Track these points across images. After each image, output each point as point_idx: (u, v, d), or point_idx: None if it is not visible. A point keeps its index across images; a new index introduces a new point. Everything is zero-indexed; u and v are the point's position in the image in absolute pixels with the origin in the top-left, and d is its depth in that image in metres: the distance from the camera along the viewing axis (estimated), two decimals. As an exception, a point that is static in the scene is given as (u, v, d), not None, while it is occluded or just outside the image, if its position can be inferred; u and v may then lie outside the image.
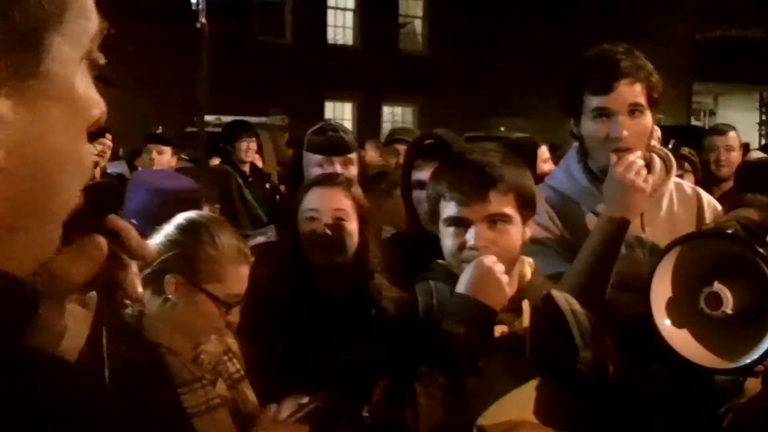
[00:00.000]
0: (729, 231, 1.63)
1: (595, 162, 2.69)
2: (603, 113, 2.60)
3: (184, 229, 2.25)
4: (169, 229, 2.26)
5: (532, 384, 2.06)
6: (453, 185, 2.17)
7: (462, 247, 2.14)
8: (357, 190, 2.86)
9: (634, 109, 2.59)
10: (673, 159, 2.83)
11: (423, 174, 2.95)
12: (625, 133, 2.57)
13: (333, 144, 3.37)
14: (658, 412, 1.86)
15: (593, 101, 2.61)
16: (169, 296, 2.17)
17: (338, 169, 3.26)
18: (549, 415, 2.03)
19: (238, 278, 2.22)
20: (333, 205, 2.77)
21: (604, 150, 2.62)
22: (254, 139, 7.28)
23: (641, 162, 2.58)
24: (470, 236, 2.12)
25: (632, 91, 2.59)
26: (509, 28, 22.68)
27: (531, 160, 2.83)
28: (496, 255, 2.11)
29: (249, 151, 7.09)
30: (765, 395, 1.60)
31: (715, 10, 25.57)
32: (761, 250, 1.49)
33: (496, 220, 2.13)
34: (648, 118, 2.63)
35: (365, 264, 2.75)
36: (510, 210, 2.15)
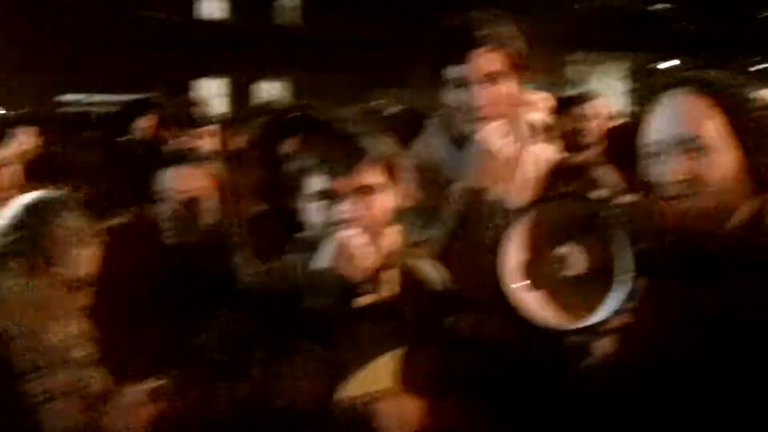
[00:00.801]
0: (580, 192, 1.65)
1: (457, 130, 2.69)
2: (461, 83, 2.60)
3: (30, 209, 2.15)
4: (15, 209, 2.15)
5: (397, 352, 2.06)
6: (320, 158, 2.13)
7: (331, 220, 2.11)
8: (215, 165, 2.79)
9: (491, 77, 2.59)
10: (536, 126, 2.86)
11: (287, 147, 2.90)
12: (482, 102, 2.58)
13: (187, 118, 3.29)
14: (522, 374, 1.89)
15: (451, 71, 2.61)
16: (16, 279, 2.07)
17: (193, 143, 3.19)
18: (414, 383, 2.04)
19: (86, 260, 2.14)
20: (185, 185, 2.70)
21: (465, 119, 2.63)
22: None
23: (502, 130, 2.60)
24: (340, 209, 2.09)
25: (489, 59, 2.58)
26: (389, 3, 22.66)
27: (413, 130, 2.84)
28: (365, 225, 2.10)
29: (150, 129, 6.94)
30: (615, 353, 1.63)
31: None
32: (613, 211, 1.51)
33: (365, 191, 2.12)
34: (509, 84, 2.63)
35: (227, 241, 2.70)
36: (379, 180, 2.14)
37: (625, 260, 1.48)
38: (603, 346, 1.62)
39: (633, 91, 33.33)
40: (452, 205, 2.56)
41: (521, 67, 2.66)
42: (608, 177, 2.46)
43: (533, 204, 1.61)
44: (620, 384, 1.67)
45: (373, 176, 2.13)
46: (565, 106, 5.76)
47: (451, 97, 2.65)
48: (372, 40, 22.18)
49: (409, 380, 2.03)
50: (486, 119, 2.60)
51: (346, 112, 2.33)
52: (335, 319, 2.04)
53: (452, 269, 2.30)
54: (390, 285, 2.14)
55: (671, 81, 1.82)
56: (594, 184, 2.41)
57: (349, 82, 21.77)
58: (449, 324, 2.13)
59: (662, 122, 1.77)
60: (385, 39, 21.97)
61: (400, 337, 2.08)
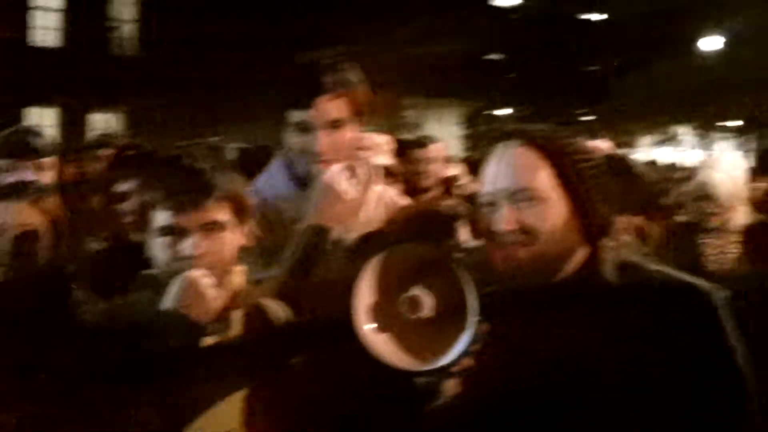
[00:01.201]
0: (429, 236, 1.70)
1: (300, 170, 2.72)
2: (303, 127, 2.63)
3: None
4: None
5: (243, 393, 2.05)
6: (165, 193, 2.10)
7: (176, 256, 2.08)
8: (51, 199, 2.69)
9: (334, 124, 2.63)
10: (377, 169, 2.91)
11: (126, 185, 2.84)
12: (324, 147, 2.61)
13: (23, 147, 3.16)
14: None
15: (295, 115, 2.63)
16: None
17: (29, 175, 3.06)
18: (260, 424, 2.02)
19: None
20: (19, 219, 2.60)
21: (306, 161, 2.66)
22: None
23: (346, 172, 2.64)
24: (184, 246, 2.06)
25: (333, 107, 2.62)
26: (229, 31, 22.46)
27: (257, 168, 2.83)
28: (211, 264, 2.07)
29: None
30: (460, 394, 1.68)
31: (422, 26, 26.87)
32: (457, 257, 1.56)
33: (211, 228, 2.09)
34: (350, 130, 2.68)
35: (64, 278, 2.60)
36: (225, 217, 2.12)
37: (471, 303, 1.53)
38: (449, 387, 1.66)
39: (467, 136, 34.41)
40: (295, 244, 2.57)
41: (364, 112, 2.71)
42: (454, 222, 2.54)
43: (383, 247, 1.64)
44: (466, 423, 1.72)
45: (219, 213, 2.11)
46: (404, 149, 5.89)
47: (294, 139, 2.67)
48: (213, 74, 21.95)
49: (255, 422, 2.02)
50: (328, 162, 2.63)
51: (191, 148, 2.30)
52: (180, 360, 2.00)
53: (294, 308, 2.30)
54: (237, 324, 2.12)
55: (504, 133, 1.89)
56: (442, 229, 2.47)
57: (187, 116, 21.46)
58: (296, 364, 2.14)
59: (495, 173, 1.83)
60: (226, 74, 21.80)
61: (246, 378, 2.07)
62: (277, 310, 2.24)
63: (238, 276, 2.22)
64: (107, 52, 23.40)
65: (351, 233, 2.70)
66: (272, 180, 2.80)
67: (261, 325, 2.16)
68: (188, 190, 2.10)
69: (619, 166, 3.11)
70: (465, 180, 7.36)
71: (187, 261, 2.07)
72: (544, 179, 1.79)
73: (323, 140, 2.62)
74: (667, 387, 1.69)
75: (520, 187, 1.78)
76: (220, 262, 2.12)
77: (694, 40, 26.97)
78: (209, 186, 2.11)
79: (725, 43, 26.88)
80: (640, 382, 1.69)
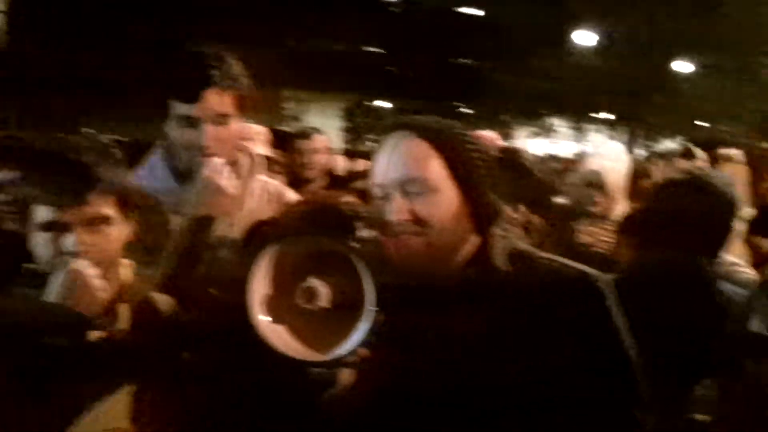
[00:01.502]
0: (323, 228, 1.69)
1: (181, 163, 2.68)
2: (189, 122, 2.60)
3: None
4: None
5: (130, 390, 2.00)
6: (46, 188, 2.03)
7: (59, 252, 2.00)
8: None
9: (220, 118, 2.61)
10: (259, 160, 2.91)
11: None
12: (210, 142, 2.59)
13: None
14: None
15: (179, 108, 2.60)
16: None
17: None
18: (146, 421, 1.98)
19: None
20: None
21: (190, 155, 2.63)
22: None
23: (227, 165, 2.62)
24: (67, 241, 1.99)
25: (219, 101, 2.60)
26: (102, 25, 21.90)
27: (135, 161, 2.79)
28: (96, 258, 2.01)
29: None
30: (357, 385, 1.68)
31: (302, 20, 26.84)
32: (353, 246, 1.56)
33: (95, 222, 2.03)
34: (235, 125, 2.67)
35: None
36: (110, 211, 2.07)
37: (368, 294, 1.53)
38: (346, 377, 1.67)
39: (347, 129, 34.59)
40: (177, 238, 2.53)
41: (248, 106, 2.69)
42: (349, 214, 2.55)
43: (277, 238, 1.62)
44: (362, 414, 1.73)
45: (104, 207, 2.05)
46: (287, 140, 5.87)
47: (177, 132, 2.63)
48: (88, 66, 21.34)
49: (144, 418, 1.97)
50: (212, 156, 2.61)
51: (73, 140, 2.23)
52: (66, 356, 1.94)
53: (182, 302, 2.27)
54: (124, 318, 2.07)
55: (395, 124, 1.90)
56: (337, 221, 2.47)
57: (69, 109, 20.83)
58: (184, 358, 2.10)
59: (386, 164, 1.84)
60: (102, 66, 21.23)
61: (134, 373, 2.02)
62: (166, 304, 2.20)
63: (125, 269, 2.17)
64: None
65: (235, 226, 2.67)
66: (151, 173, 2.75)
67: (149, 319, 2.12)
68: (71, 183, 2.03)
69: (511, 159, 3.18)
70: (350, 170, 7.41)
71: (70, 256, 2.00)
72: (435, 170, 1.80)
73: (209, 134, 2.59)
74: (559, 372, 1.73)
75: (411, 178, 1.79)
76: (106, 256, 2.07)
77: (569, 35, 27.79)
78: (93, 179, 2.05)
79: (599, 39, 27.80)
80: (533, 369, 1.72)
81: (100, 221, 2.05)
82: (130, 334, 2.06)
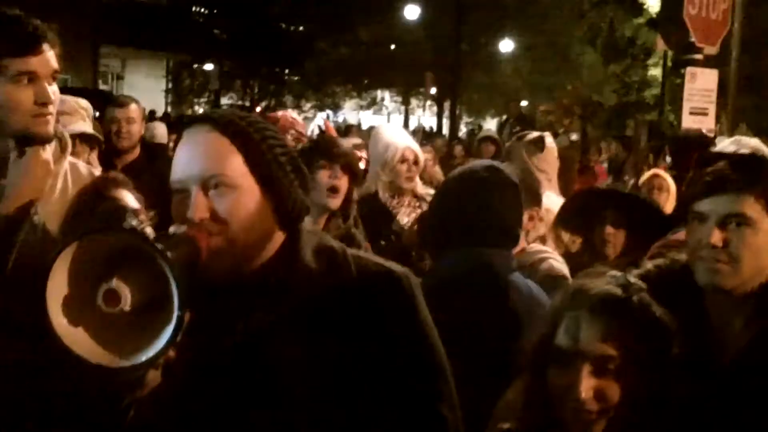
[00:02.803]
0: (125, 225, 1.62)
1: (10, 128, 2.48)
2: (30, 77, 2.42)
3: None
4: None
5: None
6: None
7: None
8: None
9: (54, 76, 2.48)
10: (68, 138, 2.76)
11: None
12: (52, 99, 2.45)
13: None
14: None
15: (16, 63, 2.41)
16: None
17: None
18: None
19: None
20: None
21: (25, 115, 2.44)
22: None
23: (48, 151, 2.51)
24: None
25: (54, 58, 2.47)
26: None
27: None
28: None
29: None
30: (166, 386, 1.64)
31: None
32: (158, 245, 1.51)
33: None
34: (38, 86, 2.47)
35: None
36: None
37: (174, 294, 1.49)
38: (151, 380, 1.63)
39: (169, 90, 33.71)
40: None
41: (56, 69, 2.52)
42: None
43: (76, 236, 1.54)
44: (166, 417, 1.69)
45: None
46: (99, 100, 5.63)
47: (12, 90, 2.43)
48: None
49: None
50: (50, 118, 2.48)
51: None
52: None
53: None
54: None
55: (193, 118, 1.86)
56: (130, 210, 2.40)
57: None
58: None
59: (185, 159, 1.78)
60: None
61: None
62: None
63: None
64: None
65: (44, 212, 2.54)
66: None
67: None
68: None
69: (325, 147, 3.16)
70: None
71: None
72: (235, 166, 1.76)
73: (49, 91, 2.45)
74: (363, 371, 1.75)
75: (210, 174, 1.74)
76: None
77: (397, 6, 28.10)
78: None
79: (422, 12, 28.26)
80: (338, 365, 1.74)
81: None
82: None
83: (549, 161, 4.82)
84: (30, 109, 2.44)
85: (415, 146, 5.18)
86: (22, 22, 2.44)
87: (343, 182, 3.85)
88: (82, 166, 2.81)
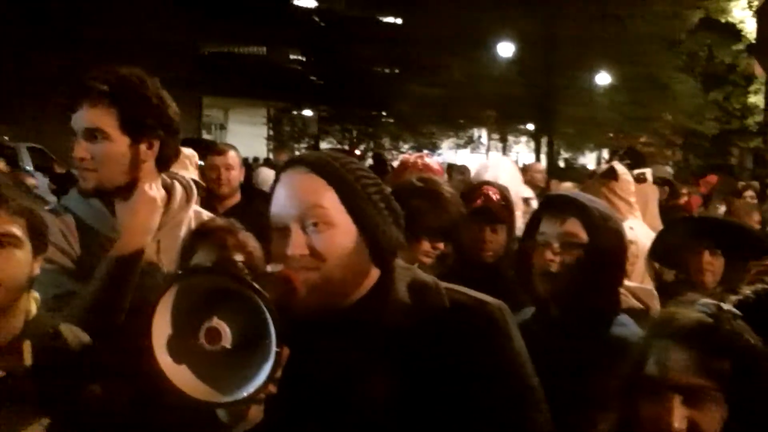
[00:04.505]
0: (223, 266, 1.69)
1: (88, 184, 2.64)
2: (72, 132, 2.58)
3: None
4: None
5: (44, 423, 1.98)
6: None
7: None
8: None
9: (93, 134, 2.57)
10: (194, 187, 2.89)
11: None
12: (81, 155, 2.57)
13: None
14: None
15: (71, 119, 2.58)
16: None
17: None
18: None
19: None
20: None
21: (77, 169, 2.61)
22: None
23: (156, 191, 2.62)
24: None
25: (91, 115, 2.56)
26: (8, 32, 21.37)
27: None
28: (1, 280, 1.96)
29: None
30: (268, 421, 1.70)
31: (215, 26, 26.62)
32: (255, 285, 1.57)
33: (2, 241, 1.98)
34: (115, 143, 2.59)
35: None
36: (20, 233, 2.01)
37: (272, 331, 1.54)
38: (252, 416, 1.68)
39: (270, 137, 34.45)
40: (105, 260, 2.51)
41: (136, 127, 2.61)
42: (249, 241, 2.54)
43: (178, 277, 1.62)
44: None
45: (14, 227, 2.00)
46: (203, 155, 5.83)
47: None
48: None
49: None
50: (91, 171, 2.58)
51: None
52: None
53: (98, 331, 2.25)
54: (28, 354, 2.04)
55: (288, 160, 1.91)
56: (235, 250, 2.47)
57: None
58: (90, 392, 2.09)
59: (282, 200, 1.84)
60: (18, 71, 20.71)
61: (42, 409, 2.00)
62: (75, 338, 2.18)
63: (32, 303, 2.13)
64: None
65: (164, 253, 2.66)
66: (79, 195, 2.71)
67: (55, 354, 2.09)
68: None
69: (428, 191, 3.16)
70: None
71: None
72: (330, 204, 1.81)
73: (79, 147, 2.57)
74: (457, 406, 1.77)
75: (307, 212, 1.80)
76: (11, 280, 1.99)
77: (489, 44, 28.12)
78: (3, 197, 1.99)
79: (517, 49, 28.18)
80: (432, 400, 1.76)
81: (8, 241, 1.98)
82: (34, 370, 2.03)
83: (624, 189, 4.68)
84: (76, 163, 2.60)
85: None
86: (76, 81, 2.58)
87: None
88: (205, 214, 2.92)
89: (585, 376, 2.24)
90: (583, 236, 2.50)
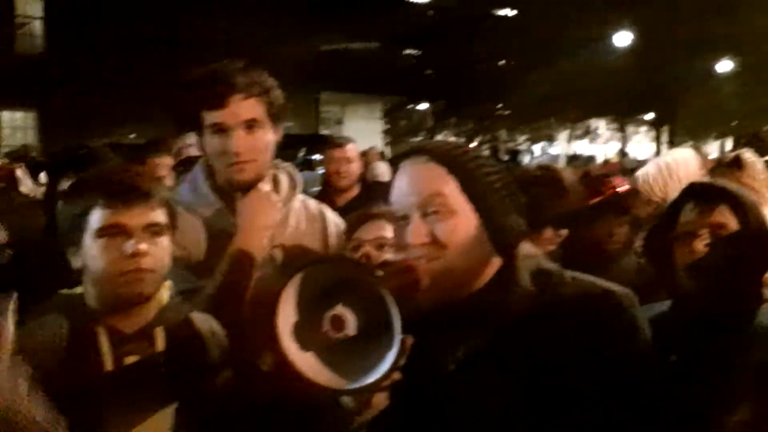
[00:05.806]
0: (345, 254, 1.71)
1: (220, 177, 2.70)
2: (219, 128, 2.61)
3: None
4: None
5: (169, 411, 2.05)
6: (108, 194, 2.08)
7: (118, 259, 2.06)
8: None
9: (250, 125, 2.62)
10: (298, 175, 2.91)
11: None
12: (240, 148, 2.61)
13: None
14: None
15: (209, 117, 2.62)
16: None
17: None
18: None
19: None
20: None
21: (224, 164, 2.65)
22: None
23: (270, 183, 2.66)
24: (127, 246, 2.05)
25: (247, 107, 2.61)
26: (135, 31, 22.02)
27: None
28: (154, 267, 2.08)
29: None
30: (391, 409, 1.71)
31: (332, 23, 26.88)
32: (376, 272, 1.58)
33: (154, 230, 2.09)
34: (266, 133, 2.67)
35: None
36: (164, 221, 2.13)
37: (395, 319, 1.54)
38: (377, 403, 1.69)
39: (386, 131, 34.63)
40: (226, 255, 2.55)
41: (279, 116, 2.70)
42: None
43: (302, 266, 1.64)
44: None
45: (160, 215, 2.11)
46: (321, 145, 5.86)
47: (209, 142, 2.65)
48: (126, 73, 21.49)
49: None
50: (246, 163, 2.63)
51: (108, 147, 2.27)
52: (105, 379, 1.99)
53: (223, 323, 2.30)
54: (160, 341, 2.12)
55: (409, 149, 1.90)
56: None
57: (89, 112, 21.04)
58: (222, 380, 2.14)
59: (403, 188, 1.84)
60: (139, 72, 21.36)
61: (171, 395, 2.07)
62: (206, 325, 2.24)
63: (164, 291, 2.21)
64: (12, 50, 22.81)
65: (278, 246, 2.69)
66: (194, 188, 2.77)
67: (188, 339, 2.16)
68: (129, 190, 2.08)
69: (548, 178, 3.12)
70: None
71: (131, 261, 2.04)
72: (451, 192, 1.80)
73: (239, 140, 2.61)
74: (588, 391, 1.73)
75: (428, 201, 1.79)
76: (164, 269, 2.11)
77: (605, 34, 27.55)
78: (148, 186, 2.10)
79: (634, 38, 27.53)
80: (555, 388, 1.73)
81: (157, 229, 2.10)
82: (166, 356, 2.10)
83: (753, 177, 4.44)
84: (224, 158, 2.63)
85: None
86: (211, 77, 2.62)
87: None
88: (312, 202, 2.95)
89: (730, 370, 2.16)
90: (733, 225, 2.39)
